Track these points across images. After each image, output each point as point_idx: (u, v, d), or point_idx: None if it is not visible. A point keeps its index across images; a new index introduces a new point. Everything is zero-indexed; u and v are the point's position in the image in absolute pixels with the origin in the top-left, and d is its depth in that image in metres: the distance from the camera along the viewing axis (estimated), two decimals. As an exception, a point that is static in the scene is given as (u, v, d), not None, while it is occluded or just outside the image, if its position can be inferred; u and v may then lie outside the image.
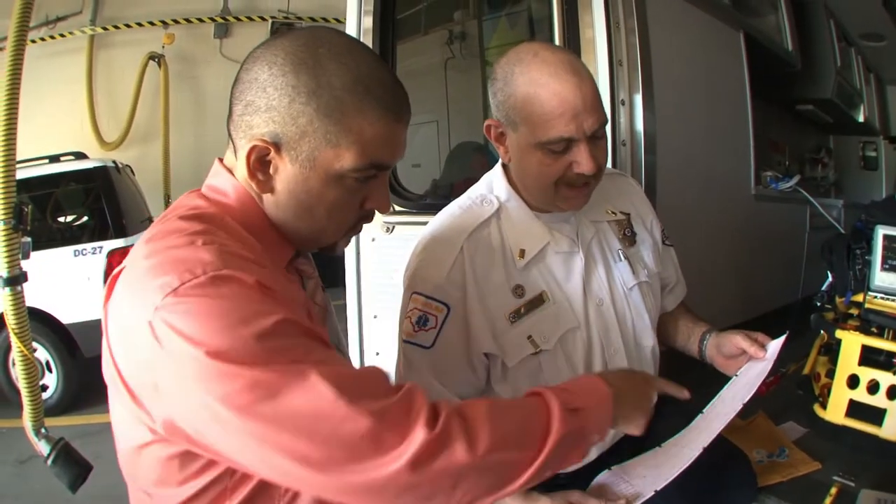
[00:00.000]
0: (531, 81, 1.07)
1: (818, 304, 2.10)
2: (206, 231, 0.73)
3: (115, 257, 4.11)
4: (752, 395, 1.08)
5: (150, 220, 4.82)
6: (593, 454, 1.21)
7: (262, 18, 6.42)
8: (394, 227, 1.88)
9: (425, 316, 1.12)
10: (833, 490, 1.49)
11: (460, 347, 1.14)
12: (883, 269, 1.80)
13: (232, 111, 0.80)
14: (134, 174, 5.04)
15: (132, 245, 3.68)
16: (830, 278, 2.07)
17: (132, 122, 6.43)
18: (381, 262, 1.97)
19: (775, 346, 1.21)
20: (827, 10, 3.79)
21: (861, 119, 4.61)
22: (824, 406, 1.83)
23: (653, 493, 0.96)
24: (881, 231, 1.82)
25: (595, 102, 1.08)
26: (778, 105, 3.93)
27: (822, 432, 1.78)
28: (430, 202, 2.00)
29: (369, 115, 0.77)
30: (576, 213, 1.22)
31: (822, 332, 1.99)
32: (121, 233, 4.30)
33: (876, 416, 1.74)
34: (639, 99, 1.84)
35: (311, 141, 0.76)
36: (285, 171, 0.78)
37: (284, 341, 0.67)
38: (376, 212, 0.87)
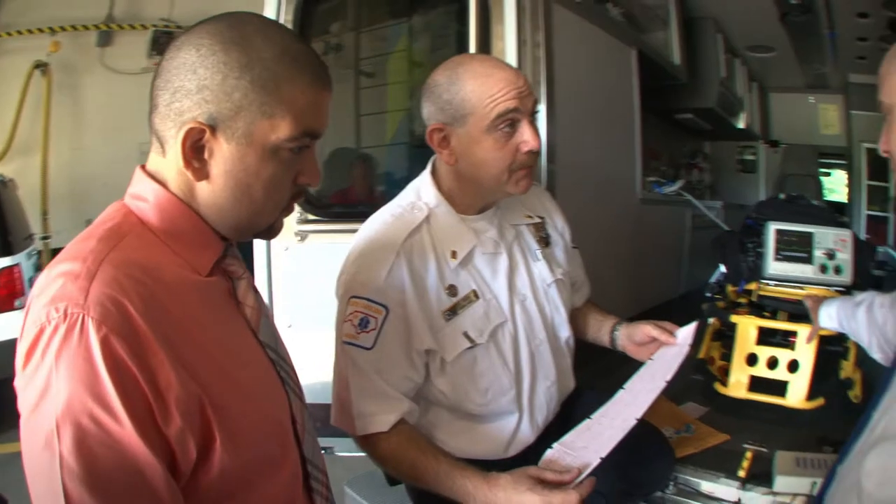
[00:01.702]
0: (479, 73, 1.18)
1: (708, 294, 2.30)
2: (98, 256, 0.71)
3: (2, 276, 3.78)
4: (674, 373, 1.21)
5: (31, 238, 4.49)
6: (531, 438, 1.32)
7: (144, 27, 6.16)
8: (306, 236, 1.89)
9: (367, 318, 1.17)
10: (748, 454, 1.63)
11: (401, 346, 1.20)
12: (776, 259, 2.03)
13: (157, 103, 0.78)
14: (17, 188, 4.67)
15: (18, 263, 3.39)
16: (723, 270, 2.27)
17: (14, 133, 5.97)
18: (296, 270, 1.96)
19: (685, 332, 1.34)
20: (716, 25, 4.09)
21: (742, 125, 4.99)
22: (725, 384, 2.01)
23: (599, 461, 1.04)
24: (773, 226, 2.05)
25: (530, 87, 1.22)
26: (656, 114, 4.19)
27: (723, 408, 1.96)
28: (340, 210, 2.03)
29: (300, 84, 0.79)
30: (498, 217, 1.32)
31: (713, 319, 2.19)
32: (7, 251, 3.96)
33: (777, 388, 1.95)
34: (543, 110, 1.95)
35: (247, 115, 0.76)
36: (221, 153, 0.77)
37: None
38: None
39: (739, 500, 1.56)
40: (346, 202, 2.18)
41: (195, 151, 0.77)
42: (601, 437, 1.08)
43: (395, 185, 2.19)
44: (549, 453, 1.09)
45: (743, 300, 2.14)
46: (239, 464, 0.75)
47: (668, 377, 1.19)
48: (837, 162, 6.05)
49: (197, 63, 0.75)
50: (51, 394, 0.65)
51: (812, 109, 5.87)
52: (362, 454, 1.24)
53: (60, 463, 0.64)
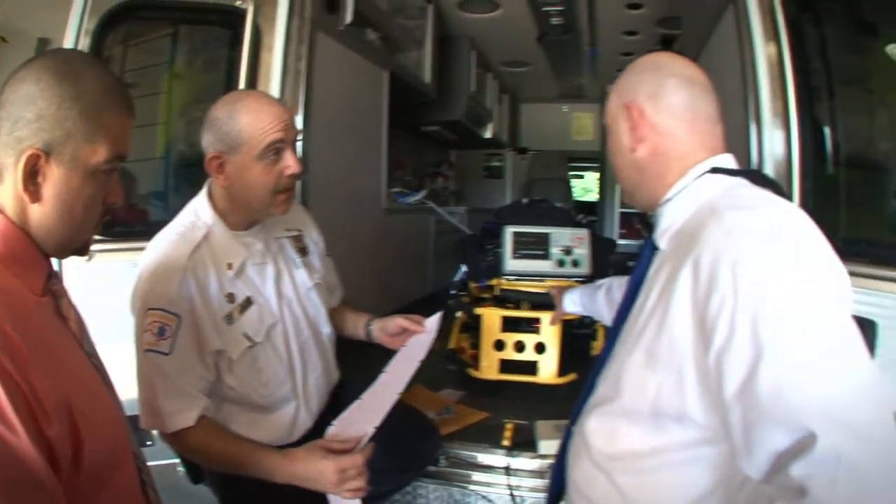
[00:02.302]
0: (252, 109, 1.35)
1: (453, 291, 2.56)
2: None
3: None
4: (424, 354, 1.46)
5: None
6: (309, 422, 1.50)
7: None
8: (93, 255, 1.86)
9: (163, 327, 1.29)
10: (510, 426, 1.88)
11: (194, 349, 1.33)
12: (514, 257, 2.31)
13: None
14: None
15: None
16: (465, 269, 2.53)
17: None
18: (86, 290, 1.86)
19: (432, 321, 1.58)
20: (471, 43, 4.37)
21: (489, 135, 5.37)
22: (477, 369, 2.27)
23: (373, 429, 1.27)
24: (510, 229, 2.34)
25: (294, 120, 1.42)
26: (406, 128, 4.43)
27: (479, 391, 2.22)
28: (122, 230, 2.01)
29: (115, 113, 0.90)
30: (263, 232, 1.49)
31: (460, 312, 2.46)
32: None
33: (528, 368, 2.23)
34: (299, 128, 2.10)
35: (74, 142, 0.85)
36: (52, 177, 0.86)
37: None
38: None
39: (509, 465, 1.80)
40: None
41: (30, 176, 0.84)
42: (372, 411, 1.30)
43: (158, 199, 2.18)
44: (330, 430, 1.29)
45: (486, 295, 2.40)
46: (99, 460, 0.84)
47: (421, 357, 1.45)
48: (591, 165, 6.73)
49: (37, 95, 0.84)
50: None
51: (565, 118, 6.46)
52: (156, 462, 1.29)
53: None
